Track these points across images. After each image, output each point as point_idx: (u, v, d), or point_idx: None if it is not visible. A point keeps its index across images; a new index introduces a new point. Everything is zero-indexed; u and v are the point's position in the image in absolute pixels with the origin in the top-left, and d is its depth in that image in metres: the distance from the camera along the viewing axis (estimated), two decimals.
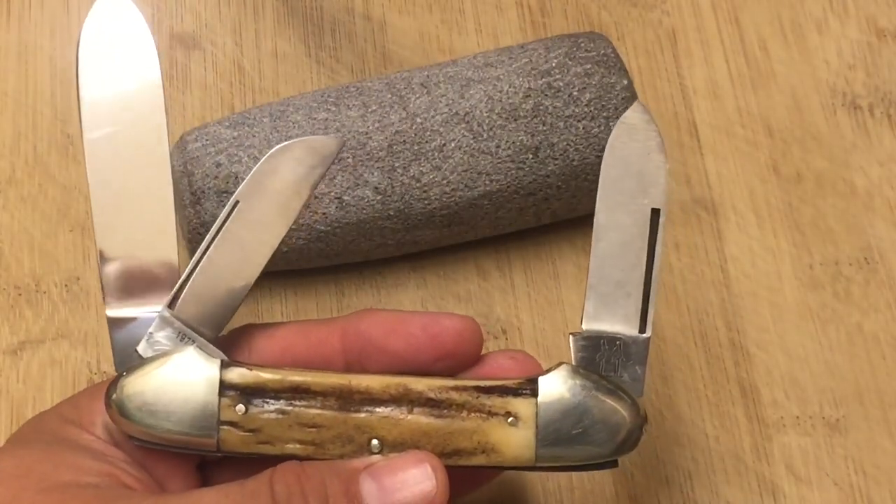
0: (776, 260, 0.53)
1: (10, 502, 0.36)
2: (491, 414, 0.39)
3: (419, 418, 0.38)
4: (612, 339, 0.40)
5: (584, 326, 0.40)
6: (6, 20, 0.56)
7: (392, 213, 0.49)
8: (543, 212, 0.51)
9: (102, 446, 0.39)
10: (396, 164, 0.49)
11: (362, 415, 0.38)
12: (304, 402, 0.38)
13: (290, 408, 0.38)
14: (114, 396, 0.38)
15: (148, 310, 0.40)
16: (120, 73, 0.40)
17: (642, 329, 0.40)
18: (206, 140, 0.49)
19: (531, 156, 0.49)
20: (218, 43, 0.56)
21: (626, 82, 0.50)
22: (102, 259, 0.40)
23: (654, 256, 0.40)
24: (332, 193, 0.48)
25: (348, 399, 0.38)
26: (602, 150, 0.40)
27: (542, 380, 0.39)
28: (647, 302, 0.40)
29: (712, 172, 0.54)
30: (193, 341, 0.39)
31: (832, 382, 0.51)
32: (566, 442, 0.39)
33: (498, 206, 0.50)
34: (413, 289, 0.52)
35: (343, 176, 0.48)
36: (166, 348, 0.39)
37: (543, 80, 0.50)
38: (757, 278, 0.52)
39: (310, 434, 0.38)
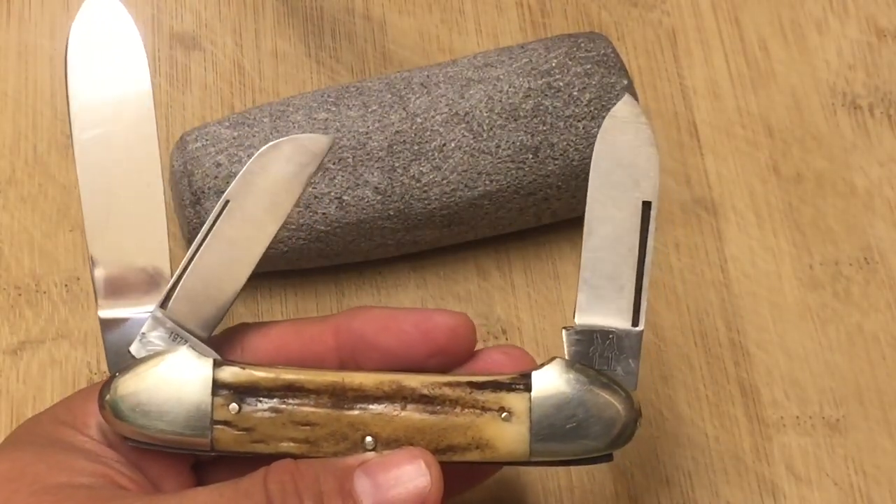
0: (776, 260, 0.53)
1: None
2: (484, 409, 0.39)
3: (412, 415, 0.38)
4: (605, 333, 0.40)
5: (577, 320, 0.40)
6: (6, 20, 0.56)
7: (392, 213, 0.49)
8: (543, 212, 0.51)
9: (96, 447, 0.39)
10: (396, 164, 0.49)
11: (356, 412, 0.38)
12: (297, 401, 0.38)
13: (283, 406, 0.38)
14: (107, 397, 0.38)
15: (140, 310, 0.40)
16: (109, 74, 0.40)
17: (635, 322, 0.40)
18: (206, 140, 0.49)
19: (531, 156, 0.49)
20: (218, 43, 0.56)
21: (626, 82, 0.50)
22: (93, 259, 0.40)
23: (646, 249, 0.40)
24: (332, 193, 0.48)
25: (341, 396, 0.38)
26: None
27: (535, 374, 0.39)
28: (640, 295, 0.40)
29: (712, 172, 0.54)
30: (186, 341, 0.39)
31: (832, 382, 0.51)
32: (560, 436, 0.38)
33: (498, 206, 0.50)
34: (413, 289, 0.52)
35: (343, 176, 0.48)
36: (159, 348, 0.39)
37: (543, 80, 0.50)
38: (757, 278, 0.52)
39: (303, 432, 0.38)
